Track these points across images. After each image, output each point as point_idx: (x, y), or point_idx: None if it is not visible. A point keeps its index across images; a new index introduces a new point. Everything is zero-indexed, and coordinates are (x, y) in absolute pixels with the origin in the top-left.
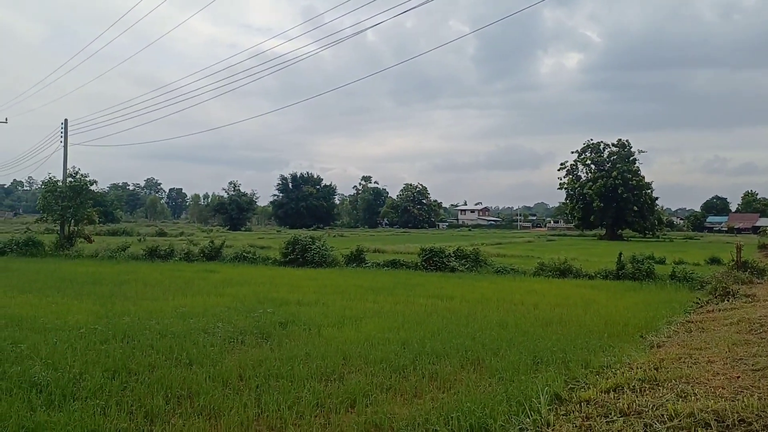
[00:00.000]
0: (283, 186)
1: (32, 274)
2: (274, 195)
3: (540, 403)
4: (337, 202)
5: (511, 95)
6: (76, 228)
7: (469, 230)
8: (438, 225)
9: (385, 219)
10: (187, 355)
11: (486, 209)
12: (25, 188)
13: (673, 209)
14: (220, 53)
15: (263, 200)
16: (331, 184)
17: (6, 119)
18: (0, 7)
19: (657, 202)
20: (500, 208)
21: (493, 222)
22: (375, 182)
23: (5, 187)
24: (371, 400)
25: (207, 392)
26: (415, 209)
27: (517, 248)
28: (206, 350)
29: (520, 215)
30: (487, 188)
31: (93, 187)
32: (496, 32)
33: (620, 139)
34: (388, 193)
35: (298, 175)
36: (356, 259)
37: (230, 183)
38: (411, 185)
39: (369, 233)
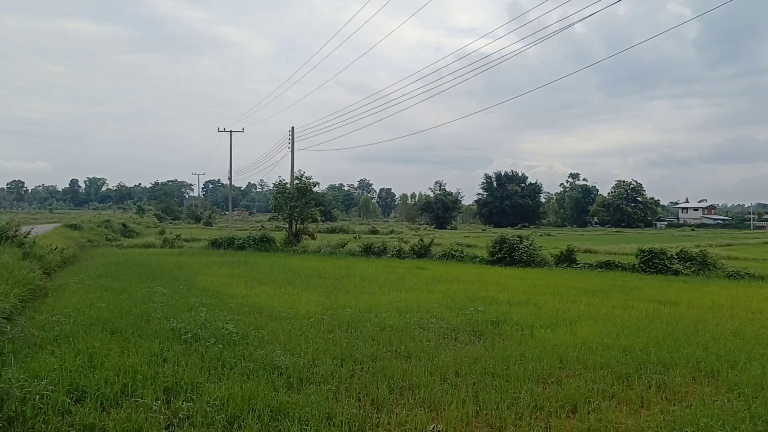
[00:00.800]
0: (487, 185)
1: (267, 267)
2: (479, 194)
3: None
4: (543, 200)
5: (740, 81)
6: (302, 226)
7: (692, 230)
8: (655, 224)
9: (595, 218)
10: (405, 348)
11: (712, 207)
12: (257, 190)
13: None
14: (426, 56)
15: (468, 199)
16: (536, 182)
17: (243, 129)
18: (238, 28)
19: None
20: (728, 205)
21: (720, 221)
22: (583, 179)
23: (242, 189)
24: (593, 407)
25: (426, 385)
26: (629, 207)
27: (752, 251)
28: (422, 345)
29: (754, 213)
30: (712, 184)
31: (316, 189)
32: (721, 13)
33: None
34: (597, 190)
35: (503, 173)
36: (566, 259)
37: (436, 182)
38: (624, 182)
39: (578, 232)
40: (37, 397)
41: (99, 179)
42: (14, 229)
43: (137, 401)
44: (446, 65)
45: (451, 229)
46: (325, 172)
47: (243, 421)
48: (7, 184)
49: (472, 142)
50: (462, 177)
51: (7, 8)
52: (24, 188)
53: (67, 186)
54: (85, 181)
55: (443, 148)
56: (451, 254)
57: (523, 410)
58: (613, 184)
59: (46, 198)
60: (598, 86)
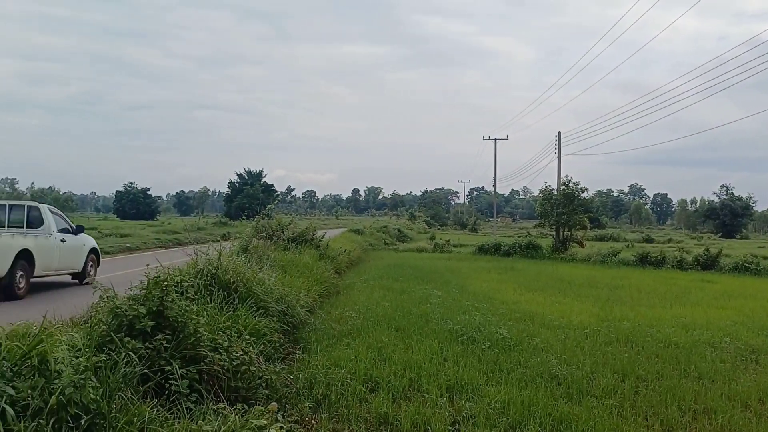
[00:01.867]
0: None
1: (534, 274)
2: None
3: None
4: None
5: None
6: (569, 233)
7: None
8: None
9: None
10: (695, 368)
11: None
12: (520, 197)
13: None
14: (708, 48)
15: (761, 204)
16: None
17: (507, 136)
18: (501, 37)
19: None
20: None
21: None
22: None
23: (505, 196)
24: None
25: (724, 411)
26: None
27: None
28: (716, 366)
29: None
30: None
31: (583, 195)
32: None
33: None
34: None
35: None
36: None
37: (722, 186)
38: None
39: None
40: (339, 384)
41: (376, 188)
42: (312, 233)
43: (424, 396)
44: (734, 57)
45: (741, 238)
46: (593, 177)
47: (524, 427)
48: (303, 194)
49: (762, 140)
50: (751, 180)
51: (303, 38)
52: (315, 197)
53: (350, 195)
54: (364, 190)
55: (727, 148)
56: (745, 267)
57: None
58: None
59: (333, 206)
60: None
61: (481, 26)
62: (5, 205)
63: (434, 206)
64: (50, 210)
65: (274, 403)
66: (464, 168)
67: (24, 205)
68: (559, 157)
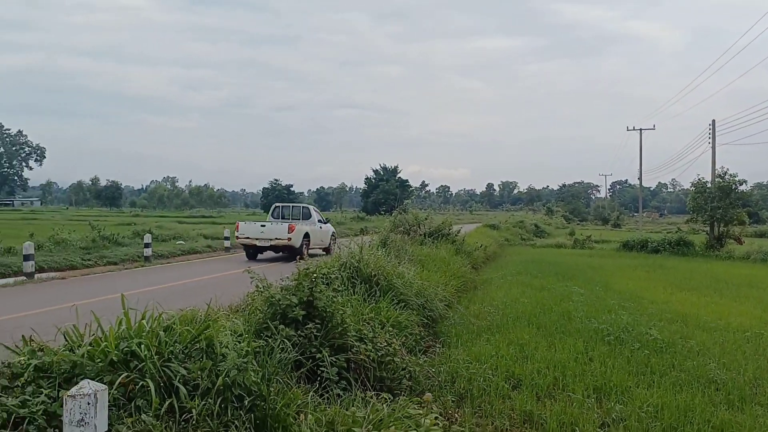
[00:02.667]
0: None
1: (686, 273)
2: None
3: None
4: None
5: None
6: (725, 229)
7: None
8: None
9: None
10: None
11: None
12: (668, 190)
13: None
14: None
15: None
16: None
17: (653, 126)
18: (647, 21)
19: None
20: None
21: None
22: None
23: (651, 189)
24: None
25: None
26: None
27: None
28: None
29: None
30: None
31: (741, 188)
32: None
33: None
34: None
35: None
36: None
37: None
38: None
39: None
40: (481, 379)
41: (511, 183)
42: (448, 228)
43: (570, 396)
44: None
45: None
46: (752, 168)
47: None
48: (436, 189)
49: None
50: None
51: (437, 34)
52: (449, 192)
53: (484, 189)
54: (498, 185)
55: None
56: None
57: None
58: None
59: (467, 201)
60: None
61: (624, 11)
62: (290, 206)
63: (573, 201)
64: (314, 209)
65: (429, 394)
66: (605, 160)
67: (300, 206)
68: (713, 148)
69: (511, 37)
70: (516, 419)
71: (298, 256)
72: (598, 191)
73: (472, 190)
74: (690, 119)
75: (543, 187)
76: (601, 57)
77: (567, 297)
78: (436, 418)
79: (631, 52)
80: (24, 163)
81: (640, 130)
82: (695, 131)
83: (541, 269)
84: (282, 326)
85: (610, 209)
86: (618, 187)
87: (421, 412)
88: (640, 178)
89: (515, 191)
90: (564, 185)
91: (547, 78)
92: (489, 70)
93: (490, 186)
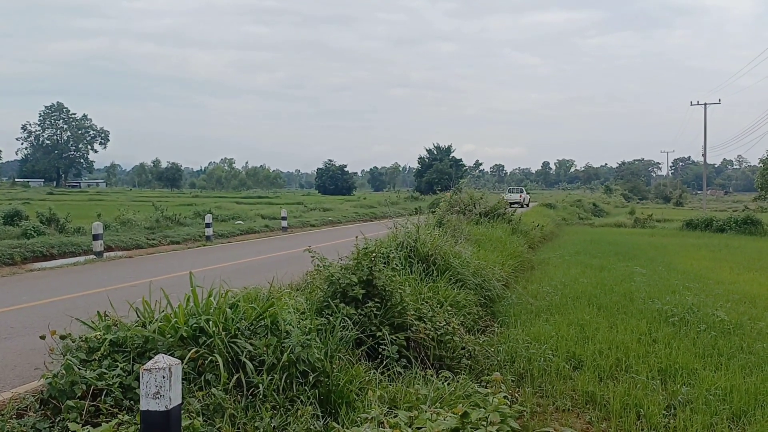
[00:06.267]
0: None
1: (754, 252)
2: None
3: None
4: None
5: None
6: None
7: None
8: None
9: None
10: None
11: None
12: (734, 167)
13: None
14: None
15: None
16: None
17: (719, 100)
18: None
19: None
20: None
21: None
22: None
23: (716, 166)
24: None
25: None
26: None
27: None
28: None
29: None
30: None
31: None
32: None
33: None
34: None
35: None
36: None
37: None
38: None
39: None
40: (541, 359)
41: (568, 161)
42: (504, 208)
43: (633, 377)
44: None
45: None
46: None
47: (750, 417)
48: (491, 168)
49: None
50: None
51: (493, 10)
52: (504, 171)
53: (539, 168)
54: (555, 163)
55: None
56: None
57: None
58: None
59: (522, 179)
60: None
61: None
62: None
63: (632, 179)
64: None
65: (498, 373)
66: (667, 137)
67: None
68: None
69: (571, 11)
70: (578, 400)
71: None
72: (659, 168)
73: (527, 168)
74: (759, 93)
75: (601, 165)
76: (664, 29)
77: (628, 277)
78: (505, 397)
79: (697, 23)
80: (89, 146)
81: (705, 104)
82: (764, 105)
83: (600, 249)
84: (342, 304)
85: (672, 187)
86: (680, 164)
87: (481, 391)
88: (704, 155)
89: (572, 169)
90: (623, 163)
91: (607, 52)
92: (547, 46)
93: (545, 164)
